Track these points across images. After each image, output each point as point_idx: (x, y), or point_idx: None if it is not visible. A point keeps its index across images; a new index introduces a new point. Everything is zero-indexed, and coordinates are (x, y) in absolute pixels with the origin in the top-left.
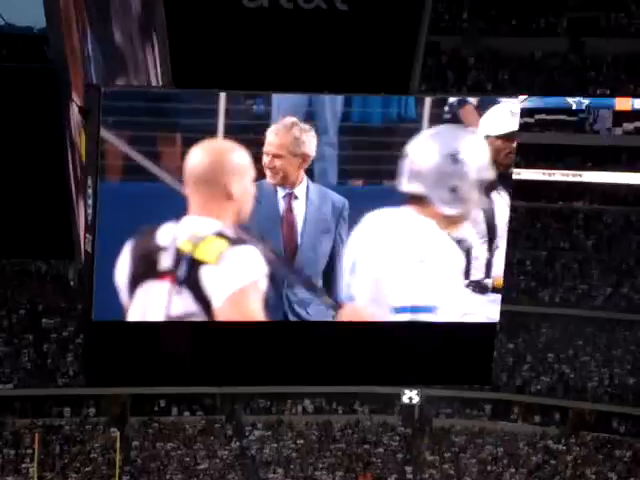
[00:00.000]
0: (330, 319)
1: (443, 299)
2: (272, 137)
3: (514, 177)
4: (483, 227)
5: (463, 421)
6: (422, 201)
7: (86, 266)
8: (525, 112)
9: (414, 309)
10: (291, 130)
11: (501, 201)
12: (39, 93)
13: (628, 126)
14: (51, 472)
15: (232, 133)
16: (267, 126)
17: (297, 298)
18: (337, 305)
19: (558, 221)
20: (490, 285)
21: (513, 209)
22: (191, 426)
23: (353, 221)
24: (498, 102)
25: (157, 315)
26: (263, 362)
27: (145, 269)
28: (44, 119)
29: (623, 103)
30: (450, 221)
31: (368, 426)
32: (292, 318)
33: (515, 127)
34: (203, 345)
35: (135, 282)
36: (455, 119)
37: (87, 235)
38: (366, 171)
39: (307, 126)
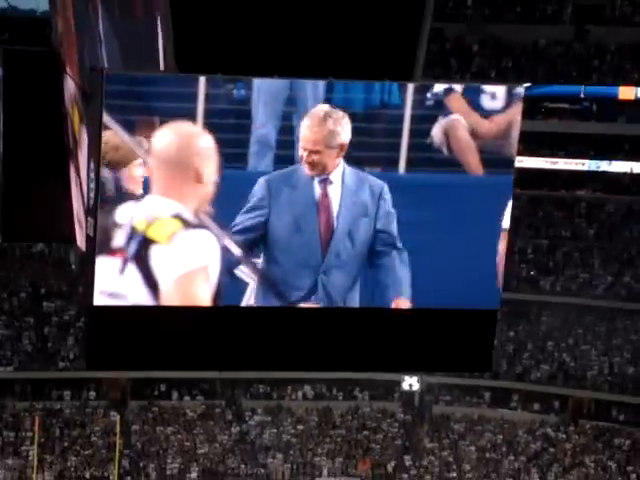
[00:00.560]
0: (357, 306)
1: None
2: (307, 133)
3: (517, 165)
4: None
5: (463, 408)
6: None
7: (87, 249)
8: (528, 100)
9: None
10: (325, 123)
11: None
12: (42, 76)
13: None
14: (51, 455)
15: (212, 117)
16: (247, 111)
17: (333, 284)
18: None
19: (560, 209)
20: None
21: (516, 197)
22: (191, 410)
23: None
24: (482, 90)
25: (106, 292)
26: (265, 347)
27: (100, 245)
28: (47, 102)
29: (627, 92)
30: None
31: (368, 412)
32: (326, 304)
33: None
34: (204, 329)
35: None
36: (439, 106)
37: (89, 218)
38: (348, 157)
39: (340, 112)
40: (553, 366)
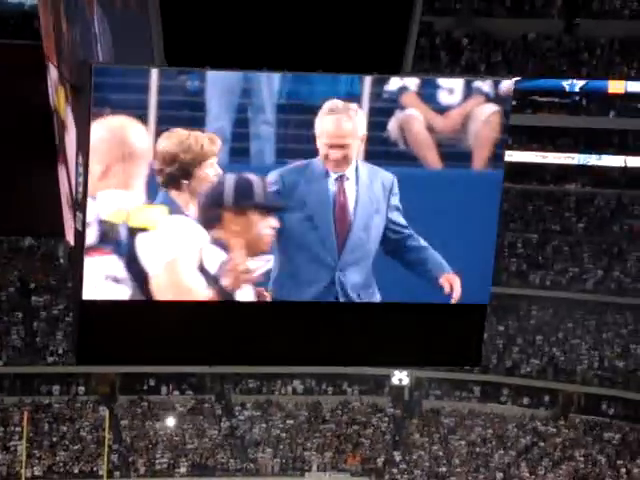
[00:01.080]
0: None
1: None
2: (333, 127)
3: (506, 159)
4: None
5: (452, 403)
6: None
7: (76, 244)
8: (518, 94)
9: None
10: (349, 114)
11: None
12: (30, 69)
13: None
14: (40, 450)
15: (165, 109)
16: (201, 104)
17: (350, 281)
18: None
19: (550, 203)
20: None
21: (505, 191)
22: (181, 405)
23: None
24: (439, 86)
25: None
26: (258, 341)
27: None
28: (35, 96)
29: (616, 86)
30: None
31: (358, 407)
32: (343, 300)
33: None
34: (195, 324)
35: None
36: (394, 101)
37: (77, 213)
38: (305, 150)
39: (353, 104)
40: (543, 360)
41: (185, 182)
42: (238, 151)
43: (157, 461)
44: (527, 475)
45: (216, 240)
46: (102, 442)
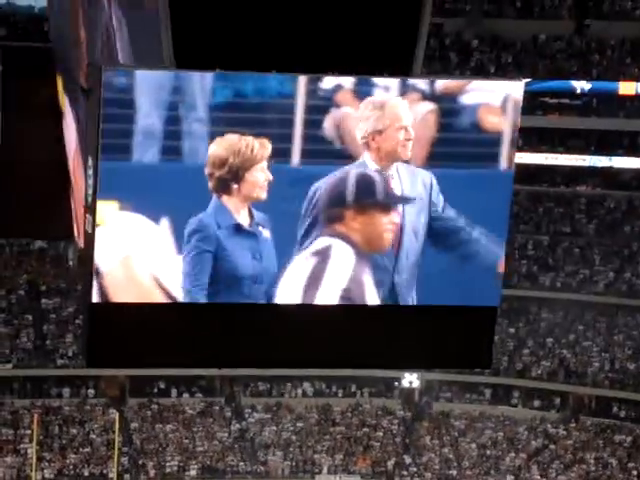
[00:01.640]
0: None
1: None
2: (407, 113)
3: (516, 161)
4: None
5: (463, 405)
6: None
7: (86, 247)
8: (528, 95)
9: None
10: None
11: None
12: (41, 72)
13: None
14: (50, 453)
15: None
16: (130, 100)
17: (404, 282)
18: None
19: (560, 205)
20: None
21: (515, 192)
22: (190, 408)
23: None
24: (375, 84)
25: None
26: (266, 344)
27: None
28: (45, 99)
29: (627, 87)
30: None
31: (368, 409)
32: (401, 302)
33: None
34: (205, 326)
35: None
36: (329, 99)
37: (87, 216)
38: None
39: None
40: (554, 362)
41: (235, 186)
42: (170, 149)
43: (167, 464)
44: (538, 478)
45: (339, 234)
46: (112, 445)
